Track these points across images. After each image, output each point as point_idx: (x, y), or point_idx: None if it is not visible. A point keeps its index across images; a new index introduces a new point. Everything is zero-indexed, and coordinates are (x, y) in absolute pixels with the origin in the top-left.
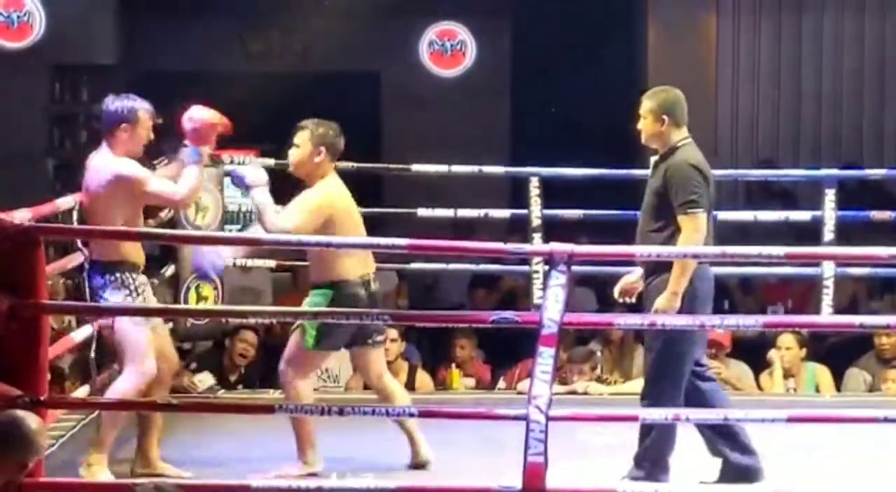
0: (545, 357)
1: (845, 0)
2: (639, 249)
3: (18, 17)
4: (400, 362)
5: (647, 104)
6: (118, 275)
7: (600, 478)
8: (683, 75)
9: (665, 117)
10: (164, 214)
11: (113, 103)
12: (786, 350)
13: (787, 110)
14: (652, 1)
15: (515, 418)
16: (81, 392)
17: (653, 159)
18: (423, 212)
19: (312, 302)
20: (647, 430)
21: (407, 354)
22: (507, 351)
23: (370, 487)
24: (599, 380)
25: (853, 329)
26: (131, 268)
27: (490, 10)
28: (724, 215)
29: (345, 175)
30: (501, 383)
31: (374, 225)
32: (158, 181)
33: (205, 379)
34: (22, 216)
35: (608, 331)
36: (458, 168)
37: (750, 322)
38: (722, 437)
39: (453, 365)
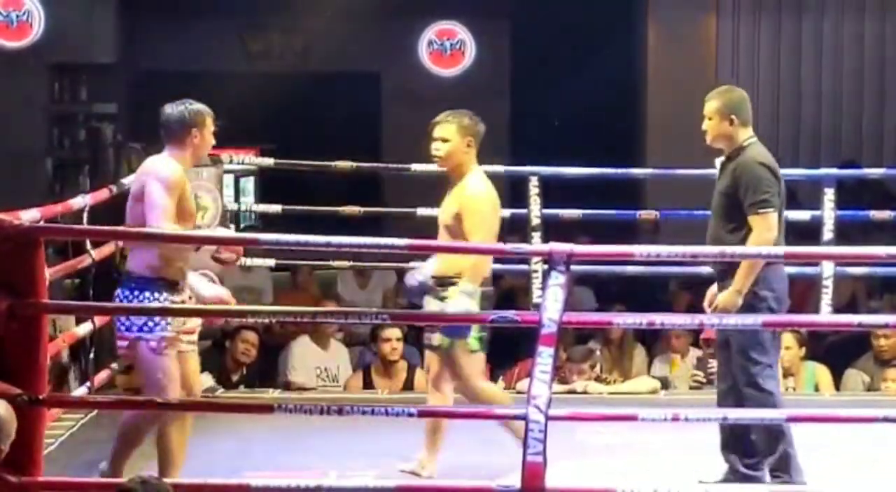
0: (544, 357)
1: (845, 0)
2: (637, 249)
3: (18, 16)
4: (400, 362)
5: (712, 104)
6: (151, 293)
7: (599, 478)
8: (683, 76)
9: (733, 117)
10: None
11: (177, 109)
12: (785, 350)
13: (786, 110)
14: (652, 2)
15: (514, 417)
16: (80, 392)
17: (719, 161)
18: (422, 211)
19: (460, 302)
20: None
21: (406, 355)
22: (507, 351)
23: (370, 486)
24: (599, 379)
25: (852, 328)
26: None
27: (489, 10)
28: None
29: (344, 174)
30: (501, 383)
31: (373, 224)
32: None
33: (204, 380)
34: (31, 216)
35: (608, 330)
36: None
37: (749, 321)
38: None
39: None
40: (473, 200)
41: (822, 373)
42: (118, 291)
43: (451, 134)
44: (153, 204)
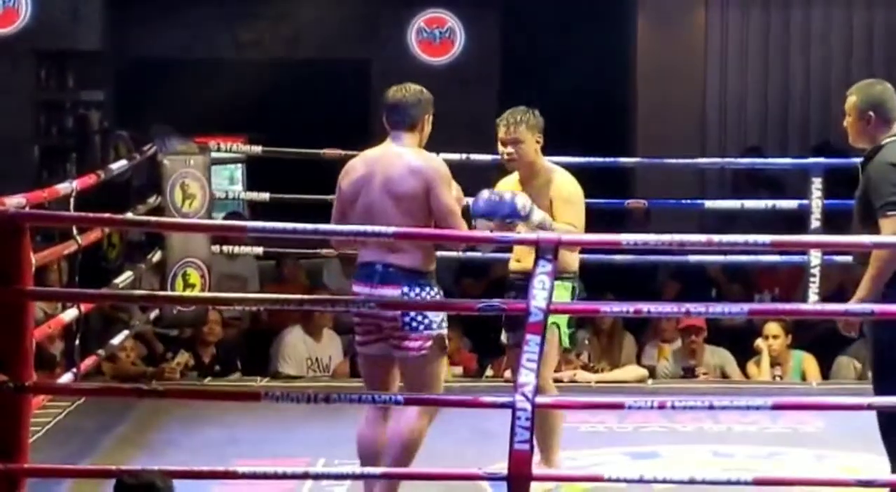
0: (532, 345)
1: None
2: (624, 238)
3: (4, 2)
4: None
5: (850, 100)
6: (432, 289)
7: (587, 465)
8: (672, 64)
9: (871, 114)
10: (152, 200)
11: (412, 93)
12: (773, 339)
13: (775, 100)
14: None
15: (502, 405)
16: (66, 379)
17: (859, 161)
18: None
19: (557, 295)
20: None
21: None
22: (494, 340)
23: (357, 473)
24: (587, 368)
25: (839, 317)
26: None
27: None
28: (710, 204)
29: (334, 163)
30: (489, 372)
31: None
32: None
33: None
34: (16, 203)
35: (597, 319)
36: (445, 156)
37: (736, 310)
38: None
39: None
40: (570, 186)
41: (809, 362)
42: (404, 288)
43: (523, 134)
44: (450, 209)
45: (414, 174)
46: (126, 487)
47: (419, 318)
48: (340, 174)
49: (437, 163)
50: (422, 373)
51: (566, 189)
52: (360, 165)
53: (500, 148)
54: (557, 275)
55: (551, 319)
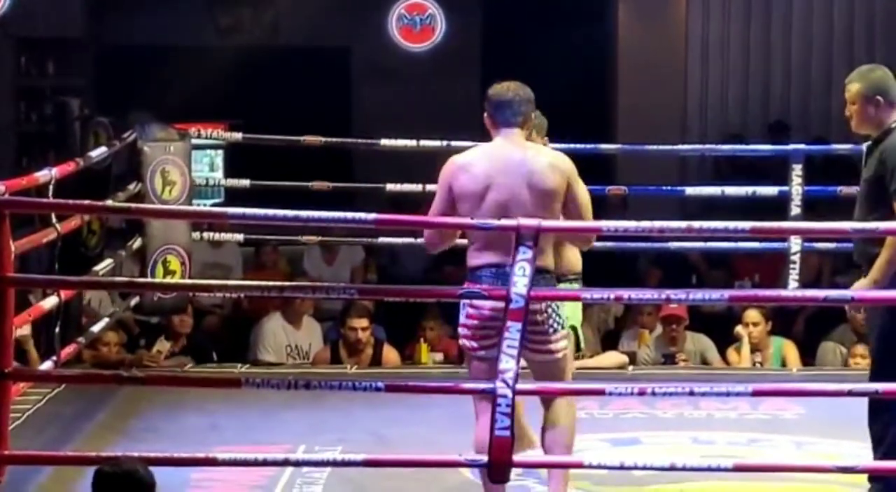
0: (512, 332)
1: None
2: (604, 224)
3: None
4: (367, 338)
5: (854, 87)
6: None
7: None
8: (653, 50)
9: (879, 98)
10: (132, 187)
11: (522, 89)
12: (753, 326)
13: (755, 87)
14: None
15: (483, 391)
16: (46, 366)
17: (865, 146)
18: (391, 187)
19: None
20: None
21: (373, 331)
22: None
23: (338, 459)
24: None
25: (819, 303)
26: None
27: None
28: (691, 190)
29: (314, 150)
30: None
31: (343, 200)
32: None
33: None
34: None
35: None
36: (426, 143)
37: (716, 296)
38: None
39: (421, 340)
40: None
41: (789, 348)
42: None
43: (532, 138)
44: (587, 202)
45: (555, 170)
46: (106, 475)
47: (558, 319)
48: (451, 170)
49: (569, 159)
50: (563, 373)
51: (579, 183)
52: (482, 159)
53: None
54: (563, 277)
55: (569, 322)
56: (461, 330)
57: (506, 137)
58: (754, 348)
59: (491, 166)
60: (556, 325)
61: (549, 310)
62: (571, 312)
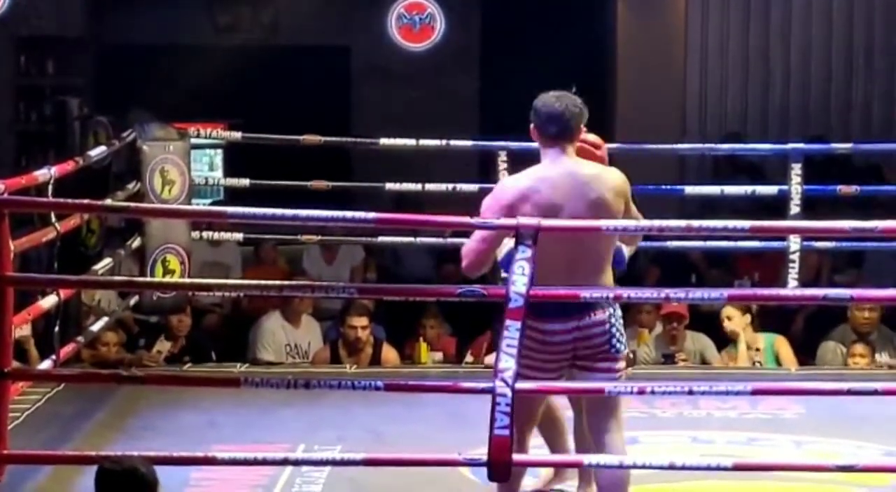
0: (511, 331)
1: None
2: (604, 223)
3: None
4: (367, 337)
5: None
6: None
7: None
8: (653, 49)
9: None
10: (132, 186)
11: (573, 104)
12: (728, 320)
13: (755, 84)
14: None
15: (482, 391)
16: (45, 365)
17: None
18: (391, 186)
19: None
20: None
21: (373, 331)
22: (475, 325)
23: (337, 458)
24: None
25: (818, 302)
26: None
27: None
28: (690, 189)
29: (312, 149)
30: (469, 357)
31: (342, 199)
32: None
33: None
34: None
35: None
36: (425, 142)
37: (715, 295)
38: None
39: (420, 339)
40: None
41: (781, 343)
42: (610, 310)
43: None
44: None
45: (616, 192)
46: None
47: (622, 339)
48: (510, 197)
49: (624, 177)
50: (617, 402)
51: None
52: (543, 186)
53: None
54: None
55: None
56: (523, 362)
57: (562, 155)
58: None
59: (555, 194)
60: (620, 345)
61: (613, 328)
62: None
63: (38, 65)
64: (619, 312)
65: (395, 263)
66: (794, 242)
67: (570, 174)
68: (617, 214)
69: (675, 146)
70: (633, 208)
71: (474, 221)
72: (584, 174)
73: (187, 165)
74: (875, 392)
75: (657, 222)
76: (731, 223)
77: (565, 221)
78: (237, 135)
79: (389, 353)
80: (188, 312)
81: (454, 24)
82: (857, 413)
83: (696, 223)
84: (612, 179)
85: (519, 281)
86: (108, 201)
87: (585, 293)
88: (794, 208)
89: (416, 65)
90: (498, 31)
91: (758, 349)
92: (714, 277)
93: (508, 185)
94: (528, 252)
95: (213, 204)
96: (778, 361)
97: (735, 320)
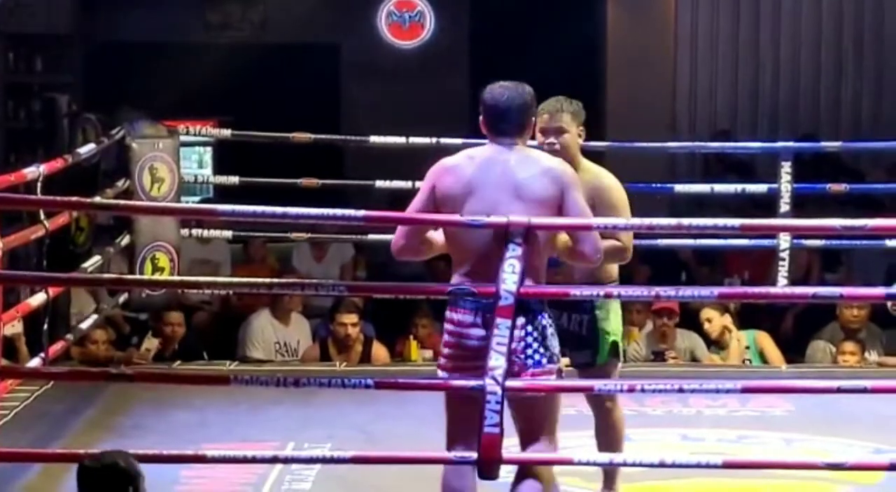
0: (502, 329)
1: None
2: (595, 221)
3: None
4: (357, 335)
5: None
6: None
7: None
8: (642, 46)
9: None
10: (121, 184)
11: (519, 95)
12: (708, 323)
13: (745, 83)
14: None
15: (472, 389)
16: (34, 363)
17: None
18: (381, 184)
19: (613, 308)
20: None
21: (362, 328)
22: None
23: (327, 456)
24: None
25: (808, 301)
26: None
27: None
28: (680, 187)
29: (303, 147)
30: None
31: (333, 197)
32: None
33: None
34: None
35: None
36: (415, 140)
37: (705, 293)
38: None
39: (411, 337)
40: (615, 190)
41: (763, 339)
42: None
43: (567, 123)
44: (586, 214)
45: (548, 176)
46: (88, 470)
47: (542, 351)
48: (435, 171)
49: (567, 165)
50: (543, 414)
51: (614, 195)
52: (468, 164)
53: (540, 138)
54: (602, 283)
55: (611, 337)
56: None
57: (500, 145)
58: (724, 345)
59: (477, 171)
60: (545, 361)
61: (529, 339)
62: (614, 327)
63: (27, 62)
64: (544, 322)
65: (389, 259)
66: (784, 241)
67: (498, 156)
68: (543, 199)
69: (665, 144)
70: (578, 202)
71: (463, 219)
72: (512, 157)
73: (177, 162)
74: (865, 390)
75: (648, 220)
76: (721, 221)
77: (554, 219)
78: (227, 132)
79: (379, 350)
80: (182, 320)
81: (444, 21)
82: (847, 411)
83: (686, 221)
84: (547, 162)
85: (509, 279)
86: (97, 199)
87: (575, 291)
88: (784, 206)
89: (406, 62)
90: (487, 28)
91: (746, 348)
92: (704, 275)
93: (439, 162)
94: (518, 250)
95: (202, 202)
96: (763, 358)
97: (715, 322)
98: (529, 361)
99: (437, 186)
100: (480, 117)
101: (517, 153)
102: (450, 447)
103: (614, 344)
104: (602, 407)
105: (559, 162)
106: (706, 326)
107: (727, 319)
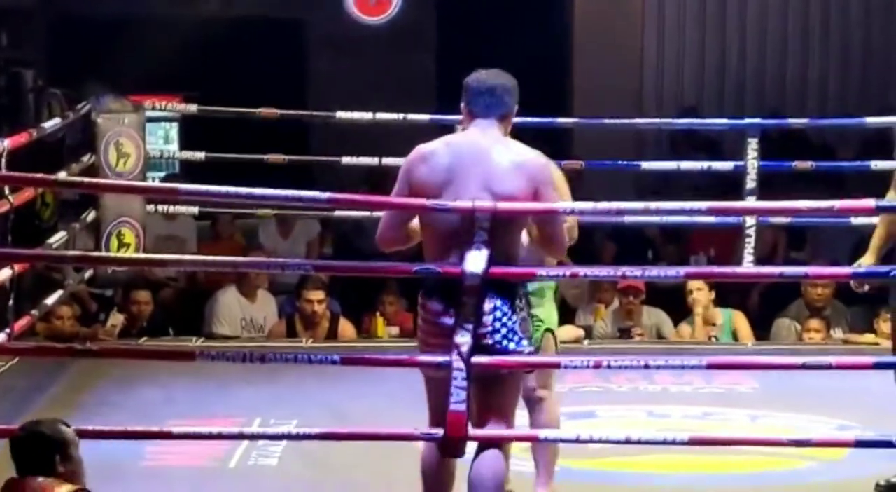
0: (468, 308)
1: None
2: (562, 206)
3: None
4: (323, 311)
5: None
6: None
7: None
8: (610, 25)
9: None
10: (86, 159)
11: (504, 78)
12: (697, 291)
13: (711, 60)
14: None
15: (438, 365)
16: None
17: None
18: (347, 160)
19: (548, 296)
20: None
21: (329, 305)
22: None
23: (293, 433)
24: None
25: (774, 279)
26: None
27: None
28: (647, 165)
29: (269, 123)
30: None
31: (299, 172)
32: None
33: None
34: None
35: None
36: (382, 115)
37: (672, 273)
38: None
39: (377, 313)
40: (546, 166)
41: (739, 319)
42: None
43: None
44: (558, 219)
45: (520, 170)
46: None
47: (512, 336)
48: (411, 159)
49: (544, 159)
50: (506, 391)
51: (551, 171)
52: (445, 152)
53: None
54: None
55: (544, 325)
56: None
57: (478, 129)
58: (706, 321)
59: (454, 161)
60: (520, 340)
61: (497, 324)
62: (547, 315)
63: None
64: (514, 307)
65: (358, 235)
66: (750, 219)
67: (475, 144)
68: (510, 195)
69: (632, 121)
70: (550, 199)
71: (429, 203)
72: (493, 143)
73: (142, 137)
74: (829, 366)
75: (616, 205)
76: (688, 204)
77: (521, 205)
78: (193, 108)
79: (346, 327)
80: (149, 298)
81: None
82: (812, 388)
83: (654, 205)
84: (524, 160)
85: (474, 259)
86: (62, 175)
87: (542, 272)
88: (750, 184)
89: (373, 38)
90: (454, 6)
91: (714, 324)
92: (671, 252)
93: (415, 150)
94: (485, 235)
95: (168, 177)
96: (735, 337)
97: (703, 293)
98: (498, 346)
99: (412, 175)
100: (462, 104)
101: (496, 143)
102: (432, 427)
103: (548, 332)
104: (533, 400)
105: (536, 156)
106: (694, 293)
107: (711, 295)
